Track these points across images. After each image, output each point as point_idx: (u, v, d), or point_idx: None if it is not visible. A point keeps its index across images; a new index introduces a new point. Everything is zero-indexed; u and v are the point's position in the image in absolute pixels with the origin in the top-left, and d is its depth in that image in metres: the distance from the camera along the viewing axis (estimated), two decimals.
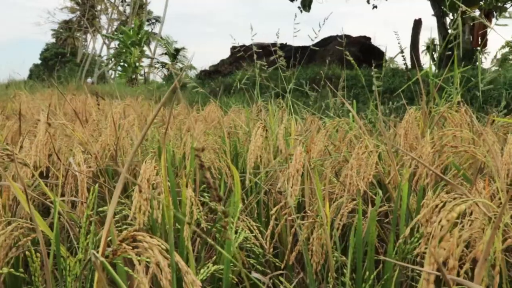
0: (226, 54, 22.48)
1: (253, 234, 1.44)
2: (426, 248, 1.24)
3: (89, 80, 36.39)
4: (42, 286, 1.14)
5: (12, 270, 1.10)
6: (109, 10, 46.69)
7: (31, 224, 1.18)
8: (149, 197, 1.21)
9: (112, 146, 2.12)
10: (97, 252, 0.83)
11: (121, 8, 46.92)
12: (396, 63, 19.19)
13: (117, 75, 30.87)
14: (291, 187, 1.44)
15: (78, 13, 48.40)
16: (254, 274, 1.26)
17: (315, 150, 1.96)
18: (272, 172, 1.97)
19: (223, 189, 2.02)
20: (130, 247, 0.86)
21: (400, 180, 1.60)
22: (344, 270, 1.44)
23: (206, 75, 21.00)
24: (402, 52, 4.32)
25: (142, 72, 30.94)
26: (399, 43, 4.42)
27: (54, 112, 3.12)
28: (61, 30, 51.17)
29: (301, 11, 18.43)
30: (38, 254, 1.16)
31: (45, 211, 1.99)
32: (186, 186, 1.37)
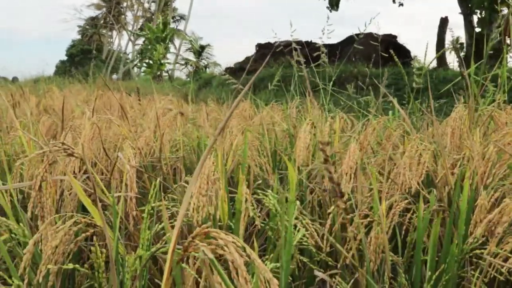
0: (251, 51, 22.47)
1: (308, 232, 1.41)
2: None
3: (114, 76, 36.65)
4: (105, 281, 1.12)
5: (77, 266, 1.09)
6: (135, 7, 46.96)
7: (89, 219, 1.17)
8: (208, 194, 1.20)
9: (156, 142, 2.11)
10: (157, 249, 0.82)
11: (146, 5, 47.18)
12: (420, 61, 19.03)
13: (142, 72, 31.03)
14: (345, 185, 1.42)
15: (104, 9, 48.76)
16: (317, 273, 1.24)
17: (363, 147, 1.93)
18: (317, 171, 1.95)
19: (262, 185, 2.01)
20: (205, 244, 0.85)
21: (456, 179, 1.57)
22: (399, 270, 1.42)
23: (231, 73, 21.01)
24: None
25: (167, 69, 31.07)
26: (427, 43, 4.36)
27: (88, 108, 3.13)
28: (87, 27, 51.59)
29: (330, 11, 18.38)
30: (96, 249, 1.15)
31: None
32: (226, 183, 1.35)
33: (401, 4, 20.01)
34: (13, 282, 1.05)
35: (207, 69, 29.26)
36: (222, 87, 19.02)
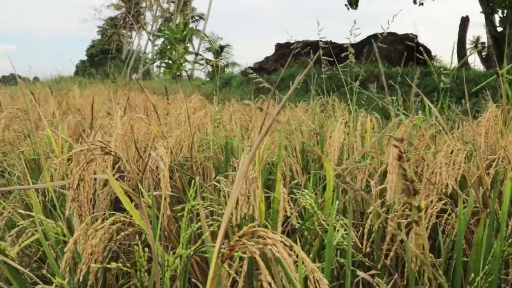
0: (270, 51, 22.42)
1: (346, 232, 1.40)
2: None
3: (134, 76, 36.78)
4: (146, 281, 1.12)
5: (120, 265, 1.09)
6: (154, 7, 47.12)
7: (129, 219, 1.17)
8: (247, 193, 1.19)
9: (187, 141, 2.11)
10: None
11: (165, 5, 47.32)
12: (440, 60, 18.88)
13: (161, 72, 31.10)
14: (388, 185, 1.40)
15: (123, 9, 49.00)
16: (359, 273, 1.22)
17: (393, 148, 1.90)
18: (348, 170, 1.93)
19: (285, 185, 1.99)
20: (253, 243, 0.84)
21: (492, 179, 1.55)
22: (439, 271, 1.40)
23: (251, 73, 20.99)
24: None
25: (187, 69, 31.10)
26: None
27: (119, 107, 3.13)
28: (106, 27, 51.89)
29: (348, 9, 18.30)
30: (139, 248, 1.14)
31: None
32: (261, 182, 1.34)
33: (421, 4, 19.86)
34: (55, 280, 1.05)
35: (227, 68, 29.26)
36: (242, 86, 19.02)
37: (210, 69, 29.34)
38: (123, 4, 48.63)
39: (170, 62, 28.41)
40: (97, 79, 18.38)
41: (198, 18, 44.42)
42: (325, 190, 1.53)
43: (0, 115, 2.66)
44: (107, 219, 1.26)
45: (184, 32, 28.27)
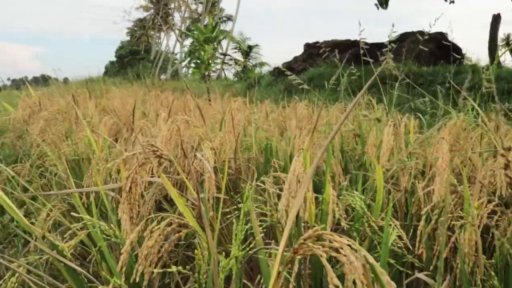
0: (299, 51, 22.38)
1: (398, 234, 1.39)
2: None
3: (162, 77, 36.99)
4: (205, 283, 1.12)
5: (180, 268, 1.09)
6: (182, 8, 47.29)
7: (182, 220, 1.17)
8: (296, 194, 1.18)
9: (231, 142, 2.11)
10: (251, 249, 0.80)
11: (193, 6, 47.45)
12: (470, 59, 18.63)
13: (190, 72, 31.23)
14: (436, 186, 1.38)
15: (152, 11, 49.26)
16: (418, 275, 1.21)
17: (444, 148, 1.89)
18: (392, 171, 1.91)
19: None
20: (319, 246, 0.83)
21: None
22: (492, 272, 1.38)
23: (280, 72, 20.96)
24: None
25: (215, 69, 31.15)
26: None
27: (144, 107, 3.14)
28: (135, 28, 52.21)
29: (377, 8, 18.16)
30: (198, 251, 1.14)
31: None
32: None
33: (452, 2, 19.63)
34: (113, 280, 1.05)
35: (255, 68, 29.26)
36: (271, 87, 19.01)
37: (239, 69, 29.38)
38: (152, 6, 48.89)
39: (199, 62, 28.47)
40: (127, 79, 18.52)
41: (226, 19, 44.44)
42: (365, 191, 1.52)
43: (40, 115, 2.69)
44: (153, 220, 1.26)
45: (214, 34, 28.29)
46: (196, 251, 1.09)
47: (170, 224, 1.15)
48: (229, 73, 32.06)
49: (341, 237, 0.83)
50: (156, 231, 1.12)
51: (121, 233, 1.27)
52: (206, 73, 28.19)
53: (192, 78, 28.60)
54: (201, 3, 45.17)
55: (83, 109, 4.75)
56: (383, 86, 3.48)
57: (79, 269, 1.14)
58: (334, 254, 0.83)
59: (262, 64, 29.67)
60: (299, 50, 22.22)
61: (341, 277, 1.20)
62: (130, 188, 1.24)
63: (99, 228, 1.31)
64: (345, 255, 0.81)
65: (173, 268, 1.08)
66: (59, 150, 2.56)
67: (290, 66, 21.30)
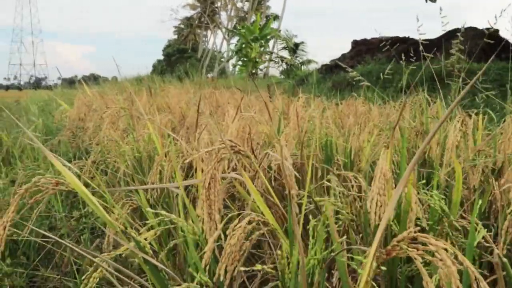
0: (346, 48, 22.25)
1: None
2: None
3: (209, 75, 37.27)
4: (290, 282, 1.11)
5: (265, 267, 1.08)
6: (229, 6, 47.51)
7: (262, 218, 1.16)
8: (384, 193, 1.16)
9: (296, 139, 2.10)
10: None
11: (239, 4, 47.62)
12: None
13: (237, 70, 31.34)
14: None
15: (199, 9, 49.65)
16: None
17: None
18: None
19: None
20: (415, 249, 0.81)
21: None
22: None
23: (327, 70, 20.85)
24: None
25: (262, 67, 31.25)
26: None
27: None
28: (182, 27, 52.71)
29: (426, 1, 17.85)
30: (282, 251, 1.13)
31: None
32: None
33: None
34: (200, 278, 1.05)
35: (302, 66, 29.20)
36: (319, 84, 18.92)
37: (285, 67, 29.34)
38: (199, 4, 49.27)
39: (246, 60, 28.59)
40: (174, 77, 18.69)
41: (271, 17, 44.39)
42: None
43: (104, 113, 2.72)
44: (225, 216, 1.26)
45: (262, 32, 28.39)
46: (279, 251, 1.08)
47: (250, 222, 1.15)
48: (276, 70, 32.05)
49: (436, 240, 0.81)
50: (238, 229, 1.12)
51: (200, 230, 1.27)
52: (253, 71, 28.29)
53: (239, 76, 28.73)
54: (247, 1, 45.32)
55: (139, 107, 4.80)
56: (438, 83, 3.42)
57: (160, 265, 1.14)
58: (429, 257, 0.81)
59: (309, 61, 29.57)
60: (346, 47, 22.02)
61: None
62: (209, 184, 1.24)
63: (178, 225, 1.32)
64: (441, 259, 0.79)
65: (258, 267, 1.07)
66: (120, 147, 2.58)
67: (338, 63, 21.17)
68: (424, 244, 0.81)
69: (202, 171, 1.50)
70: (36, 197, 1.15)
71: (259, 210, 1.61)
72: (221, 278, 1.06)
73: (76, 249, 1.12)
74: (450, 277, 0.77)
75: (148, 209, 1.39)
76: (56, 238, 1.22)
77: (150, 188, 1.75)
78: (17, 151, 4.17)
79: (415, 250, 0.81)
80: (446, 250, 0.80)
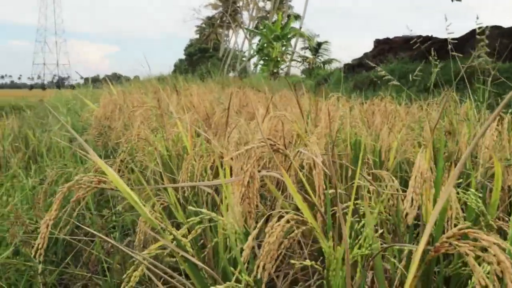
0: (368, 47, 22.15)
1: None
2: None
3: (231, 74, 37.36)
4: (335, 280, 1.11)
5: (313, 263, 1.08)
6: (250, 6, 47.51)
7: (301, 217, 1.16)
8: (420, 192, 1.15)
9: (328, 138, 2.10)
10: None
11: (261, 4, 47.63)
12: None
13: (258, 69, 31.36)
14: None
15: (220, 9, 49.76)
16: None
17: None
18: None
19: None
20: (467, 244, 0.81)
21: None
22: None
23: (349, 69, 20.78)
24: None
25: (284, 66, 31.24)
26: None
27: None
28: (204, 26, 52.88)
29: (452, 1, 17.72)
30: (330, 248, 1.13)
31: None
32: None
33: None
34: (242, 276, 1.05)
35: (325, 65, 29.16)
36: (341, 83, 18.86)
37: (307, 66, 29.32)
38: (221, 4, 49.37)
39: (267, 59, 28.62)
40: (197, 77, 18.75)
41: (292, 17, 44.31)
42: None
43: (137, 112, 2.74)
44: (263, 215, 1.26)
45: (284, 31, 28.39)
46: (324, 247, 1.08)
47: (289, 221, 1.15)
48: (297, 70, 32.03)
49: (488, 235, 0.81)
50: (277, 228, 1.12)
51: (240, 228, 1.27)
52: (275, 70, 28.28)
53: (261, 75, 28.74)
54: (269, 0, 45.29)
55: (165, 106, 4.82)
56: (467, 83, 3.39)
57: (200, 264, 1.15)
58: (480, 253, 0.80)
59: (330, 61, 29.52)
60: (368, 47, 21.97)
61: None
62: (248, 182, 1.24)
63: (215, 223, 1.32)
64: (494, 254, 0.78)
65: (308, 263, 1.07)
66: (149, 145, 2.60)
67: (361, 62, 21.11)
68: (475, 240, 0.81)
69: (231, 169, 1.51)
70: (78, 195, 1.16)
71: (289, 208, 1.61)
72: (258, 276, 1.06)
73: (121, 247, 1.12)
74: (505, 273, 0.76)
75: (190, 207, 1.39)
76: (95, 232, 1.23)
77: (184, 186, 1.75)
78: (43, 149, 4.21)
79: (467, 245, 0.81)
80: (499, 245, 0.79)
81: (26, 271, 2.10)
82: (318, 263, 1.12)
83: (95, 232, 1.23)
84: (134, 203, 1.09)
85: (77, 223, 2.26)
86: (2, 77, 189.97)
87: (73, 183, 1.13)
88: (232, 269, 1.17)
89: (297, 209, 1.19)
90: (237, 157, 1.44)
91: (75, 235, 2.42)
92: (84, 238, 2.47)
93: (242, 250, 1.13)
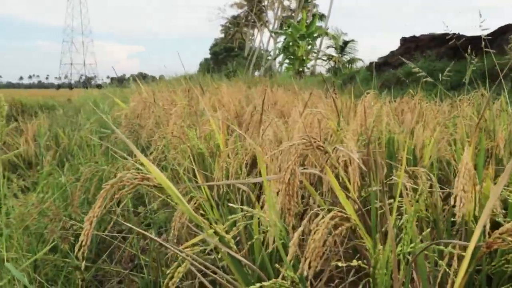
0: (395, 45, 21.99)
1: None
2: None
3: (256, 73, 37.35)
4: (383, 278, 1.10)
5: (359, 262, 1.08)
6: (276, 4, 47.45)
7: (345, 213, 1.15)
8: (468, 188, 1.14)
9: (364, 135, 2.09)
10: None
11: (286, 3, 47.53)
12: None
13: (283, 68, 31.30)
14: None
15: (245, 8, 49.76)
16: None
17: None
18: None
19: None
20: None
21: None
22: None
23: (375, 68, 20.65)
24: None
25: (310, 65, 31.14)
26: None
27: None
28: (229, 25, 52.94)
29: None
30: (377, 245, 1.12)
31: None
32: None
33: None
34: (288, 273, 1.05)
35: (351, 64, 29.00)
36: (367, 82, 18.73)
37: (333, 65, 29.20)
38: (246, 3, 49.37)
39: (293, 58, 28.55)
40: (223, 76, 18.78)
41: (317, 15, 44.12)
42: None
43: (172, 110, 2.75)
44: (300, 212, 1.25)
45: (311, 29, 28.29)
46: (369, 244, 1.08)
47: (333, 218, 1.14)
48: (322, 69, 31.88)
49: None
50: (322, 224, 1.11)
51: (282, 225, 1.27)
52: (300, 69, 28.20)
53: (286, 74, 28.68)
54: None
55: (196, 104, 4.83)
56: (503, 79, 3.35)
57: (244, 260, 1.15)
58: None
59: (355, 60, 29.33)
60: (394, 45, 21.82)
61: None
62: (289, 179, 1.24)
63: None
64: None
65: (355, 262, 1.07)
66: (183, 143, 2.60)
67: (387, 61, 20.97)
68: None
69: (267, 167, 1.50)
70: (121, 191, 1.16)
71: (324, 206, 1.60)
72: (304, 273, 1.06)
73: (167, 245, 1.13)
74: None
75: (231, 205, 1.39)
76: (134, 227, 1.24)
77: (225, 184, 1.76)
78: (75, 147, 4.26)
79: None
80: None
81: (64, 267, 2.12)
82: (365, 261, 1.12)
83: (136, 228, 1.23)
84: (178, 200, 1.09)
85: (119, 220, 2.28)
86: (30, 77, 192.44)
87: (117, 180, 1.14)
88: (277, 266, 1.16)
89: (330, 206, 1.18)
90: (276, 155, 1.44)
91: (108, 232, 2.44)
92: (119, 235, 2.49)
93: (284, 246, 1.13)
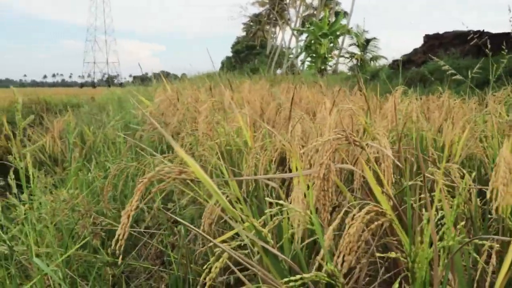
0: (401, 43, 21.85)
1: None
2: None
3: (278, 71, 37.33)
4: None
5: (399, 255, 1.08)
6: (297, 2, 47.34)
7: (380, 208, 1.15)
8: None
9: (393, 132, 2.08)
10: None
11: (308, 0, 47.39)
12: None
13: (306, 66, 31.22)
14: None
15: (267, 6, 49.73)
16: None
17: None
18: None
19: None
20: None
21: None
22: None
23: (399, 65, 20.52)
24: None
25: (332, 63, 31.03)
26: None
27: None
28: (251, 24, 52.93)
29: None
30: (415, 239, 1.12)
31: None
32: None
33: None
34: (328, 267, 1.05)
35: (373, 62, 28.86)
36: (390, 80, 18.63)
37: (355, 63, 29.08)
38: (267, 1, 49.32)
39: (315, 56, 28.47)
40: (245, 74, 18.78)
41: (341, 13, 43.90)
42: None
43: (201, 108, 2.76)
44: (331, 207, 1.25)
45: (335, 27, 28.20)
46: (404, 239, 1.07)
47: (368, 212, 1.14)
48: (345, 67, 31.77)
49: None
50: (357, 219, 1.11)
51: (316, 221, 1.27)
52: (323, 67, 28.11)
53: (308, 72, 28.61)
54: None
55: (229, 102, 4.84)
56: None
57: (280, 255, 1.15)
58: None
59: (377, 57, 29.17)
60: (400, 43, 21.69)
61: None
62: (324, 175, 1.23)
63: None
64: None
65: (392, 254, 1.06)
66: (211, 140, 2.61)
67: (410, 58, 20.85)
68: None
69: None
70: (159, 185, 1.17)
71: (354, 201, 1.60)
72: (339, 268, 1.06)
73: (209, 238, 1.13)
74: None
75: (267, 198, 1.39)
76: (174, 221, 1.24)
77: (259, 178, 1.76)
78: (101, 145, 4.30)
79: None
80: None
81: (96, 262, 2.14)
82: (403, 254, 1.11)
83: (181, 220, 1.24)
84: (214, 193, 1.09)
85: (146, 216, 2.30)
86: (54, 75, 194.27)
87: (154, 174, 1.14)
88: (318, 258, 1.16)
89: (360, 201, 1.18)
90: (306, 151, 1.43)
91: (134, 228, 2.46)
92: (146, 231, 2.50)
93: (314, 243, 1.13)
